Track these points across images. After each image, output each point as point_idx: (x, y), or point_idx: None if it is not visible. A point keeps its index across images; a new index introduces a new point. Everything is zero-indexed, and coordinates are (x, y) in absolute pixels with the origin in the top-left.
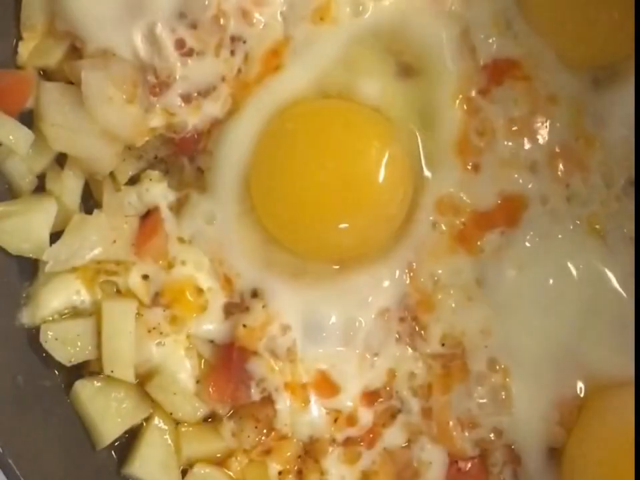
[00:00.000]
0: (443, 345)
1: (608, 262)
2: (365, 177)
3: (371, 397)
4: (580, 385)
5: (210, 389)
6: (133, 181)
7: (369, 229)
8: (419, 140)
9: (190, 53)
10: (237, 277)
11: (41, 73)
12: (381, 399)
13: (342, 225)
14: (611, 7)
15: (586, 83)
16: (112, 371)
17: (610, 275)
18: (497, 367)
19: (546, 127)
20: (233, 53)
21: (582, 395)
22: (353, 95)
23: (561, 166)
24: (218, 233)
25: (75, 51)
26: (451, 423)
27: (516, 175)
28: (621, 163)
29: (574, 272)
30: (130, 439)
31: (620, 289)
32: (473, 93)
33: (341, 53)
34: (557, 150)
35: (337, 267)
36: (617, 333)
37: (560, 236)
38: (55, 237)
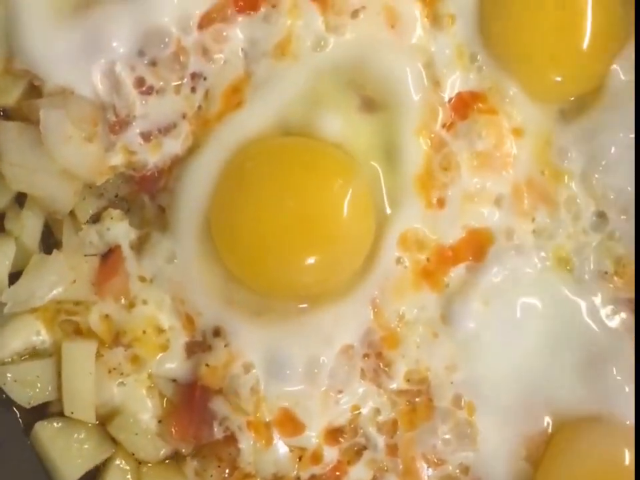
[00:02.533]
0: (408, 380)
1: (576, 295)
2: (325, 215)
3: (335, 434)
4: (547, 420)
5: (172, 429)
6: (94, 219)
7: (330, 266)
8: (382, 176)
9: (150, 91)
10: (198, 316)
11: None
12: (346, 436)
13: (303, 264)
14: (573, 40)
15: (552, 115)
16: (72, 412)
17: (578, 307)
18: (462, 403)
19: (511, 160)
20: (193, 89)
21: (549, 430)
22: (315, 131)
23: (526, 200)
24: (178, 272)
25: (34, 90)
26: (416, 459)
27: (481, 210)
28: (587, 196)
29: (541, 306)
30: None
31: (589, 321)
32: (438, 127)
33: (302, 88)
34: (523, 183)
35: (300, 304)
36: (585, 367)
37: (527, 270)
38: (14, 277)
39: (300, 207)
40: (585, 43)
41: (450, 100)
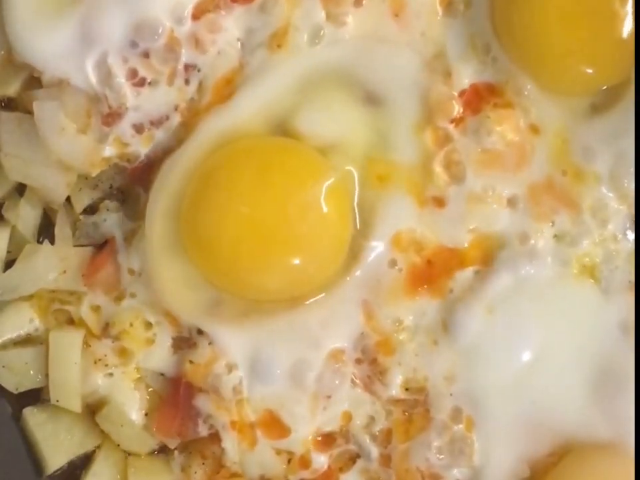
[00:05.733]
0: (407, 389)
1: (598, 307)
2: (299, 215)
3: (325, 439)
4: (553, 441)
5: (157, 423)
6: (92, 210)
7: (304, 267)
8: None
9: (142, 83)
10: (178, 317)
11: (1, 102)
12: (337, 443)
13: (275, 264)
14: (600, 27)
15: (576, 110)
16: (57, 400)
17: (599, 321)
18: (461, 417)
19: (527, 159)
20: (187, 81)
21: (556, 453)
22: (303, 127)
23: (545, 202)
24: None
25: (35, 81)
26: (410, 472)
27: (492, 211)
28: (617, 199)
29: (554, 317)
30: (78, 468)
31: (609, 337)
32: (444, 122)
33: (296, 83)
34: (541, 184)
35: (285, 305)
36: (598, 388)
37: (541, 277)
38: (10, 265)
39: (273, 209)
40: (613, 30)
41: (462, 93)
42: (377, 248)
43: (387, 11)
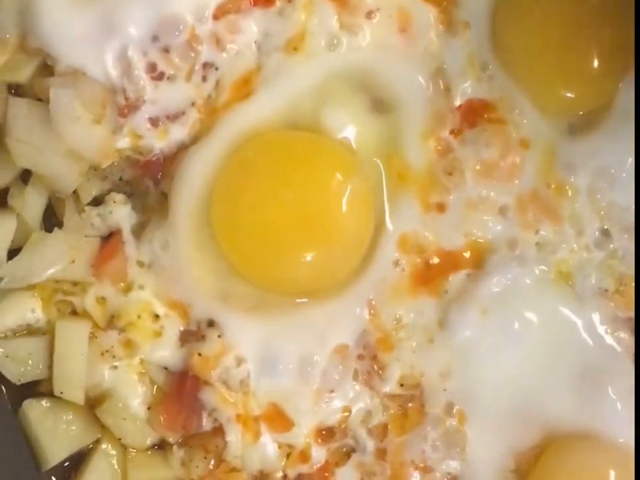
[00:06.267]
0: (402, 385)
1: (575, 311)
2: (325, 210)
3: (325, 434)
4: (538, 434)
5: (161, 417)
6: (97, 202)
7: (328, 262)
8: (384, 176)
9: (161, 77)
10: (189, 308)
11: (11, 88)
12: (336, 437)
13: (300, 258)
14: (584, 57)
15: (561, 129)
16: (61, 392)
17: (576, 323)
18: (454, 412)
19: (517, 171)
20: (204, 78)
21: (539, 444)
22: (322, 127)
23: (530, 212)
24: (172, 261)
25: (46, 68)
26: (405, 465)
27: (485, 218)
28: (592, 213)
29: (539, 319)
30: (76, 462)
31: (587, 338)
32: (445, 133)
33: (312, 85)
34: (528, 195)
35: (296, 300)
36: (579, 383)
37: (527, 281)
38: (13, 253)
39: (300, 202)
40: (595, 61)
41: (459, 107)
42: (387, 248)
43: (395, 26)
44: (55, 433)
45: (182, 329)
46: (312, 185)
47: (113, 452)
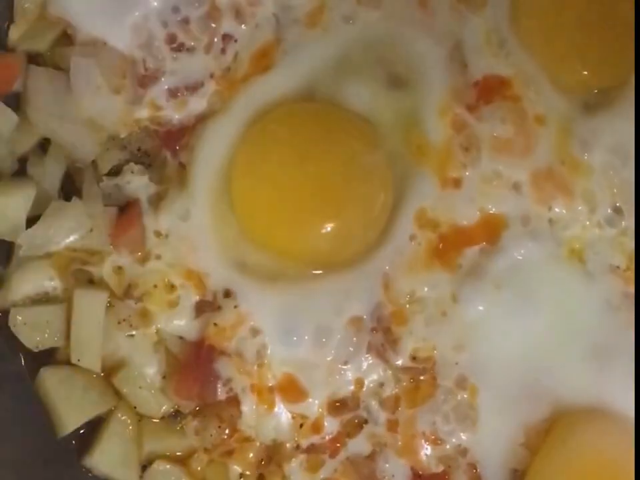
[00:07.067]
0: (414, 358)
1: (586, 286)
2: (346, 180)
3: (338, 405)
4: (548, 408)
5: (176, 386)
6: (115, 172)
7: (348, 233)
8: (403, 149)
9: (180, 48)
10: (207, 277)
11: (31, 57)
12: (348, 408)
13: (320, 229)
14: (602, 35)
15: (576, 106)
16: (79, 360)
17: (587, 299)
18: (466, 385)
19: (532, 147)
20: (223, 50)
21: (549, 418)
22: (340, 100)
23: (544, 188)
24: (192, 231)
25: (66, 38)
26: (416, 437)
27: (499, 194)
28: (605, 190)
29: (551, 294)
30: (91, 431)
31: (597, 314)
32: (461, 109)
33: (331, 58)
34: (542, 172)
35: (313, 271)
36: (589, 359)
37: (540, 257)
38: (32, 221)
39: (321, 172)
40: (612, 39)
41: (476, 83)
42: (405, 221)
43: (414, 0)
44: (71, 399)
45: (198, 299)
46: (333, 156)
47: (128, 420)
